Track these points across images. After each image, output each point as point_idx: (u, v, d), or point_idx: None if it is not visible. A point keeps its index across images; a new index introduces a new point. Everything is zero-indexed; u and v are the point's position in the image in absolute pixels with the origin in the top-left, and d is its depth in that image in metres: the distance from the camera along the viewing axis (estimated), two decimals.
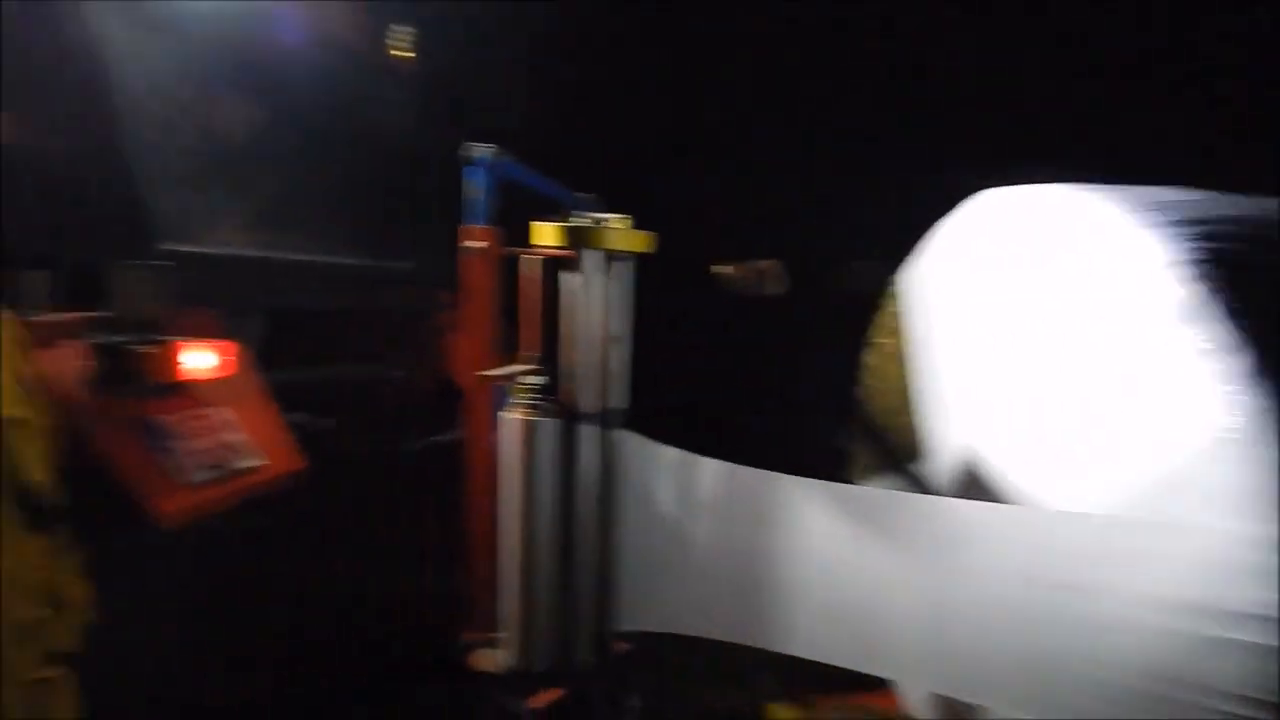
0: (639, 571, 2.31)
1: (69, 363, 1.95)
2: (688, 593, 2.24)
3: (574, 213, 2.32)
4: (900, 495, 2.13)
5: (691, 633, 2.22)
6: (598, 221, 2.23)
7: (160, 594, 1.93)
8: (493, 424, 2.32)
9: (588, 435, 2.21)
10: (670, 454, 2.28)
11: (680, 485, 2.26)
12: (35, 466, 1.53)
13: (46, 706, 1.55)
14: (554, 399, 2.23)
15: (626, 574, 2.31)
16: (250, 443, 2.19)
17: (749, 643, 2.11)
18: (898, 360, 2.67)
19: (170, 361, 2.10)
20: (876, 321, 2.80)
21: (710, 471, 2.22)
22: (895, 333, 2.70)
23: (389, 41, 3.45)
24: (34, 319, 1.94)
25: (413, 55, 3.45)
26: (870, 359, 2.83)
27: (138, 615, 1.78)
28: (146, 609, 1.85)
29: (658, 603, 2.29)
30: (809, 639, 1.99)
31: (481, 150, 2.41)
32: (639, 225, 2.26)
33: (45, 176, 2.21)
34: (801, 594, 2.02)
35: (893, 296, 2.72)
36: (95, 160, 2.28)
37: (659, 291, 2.47)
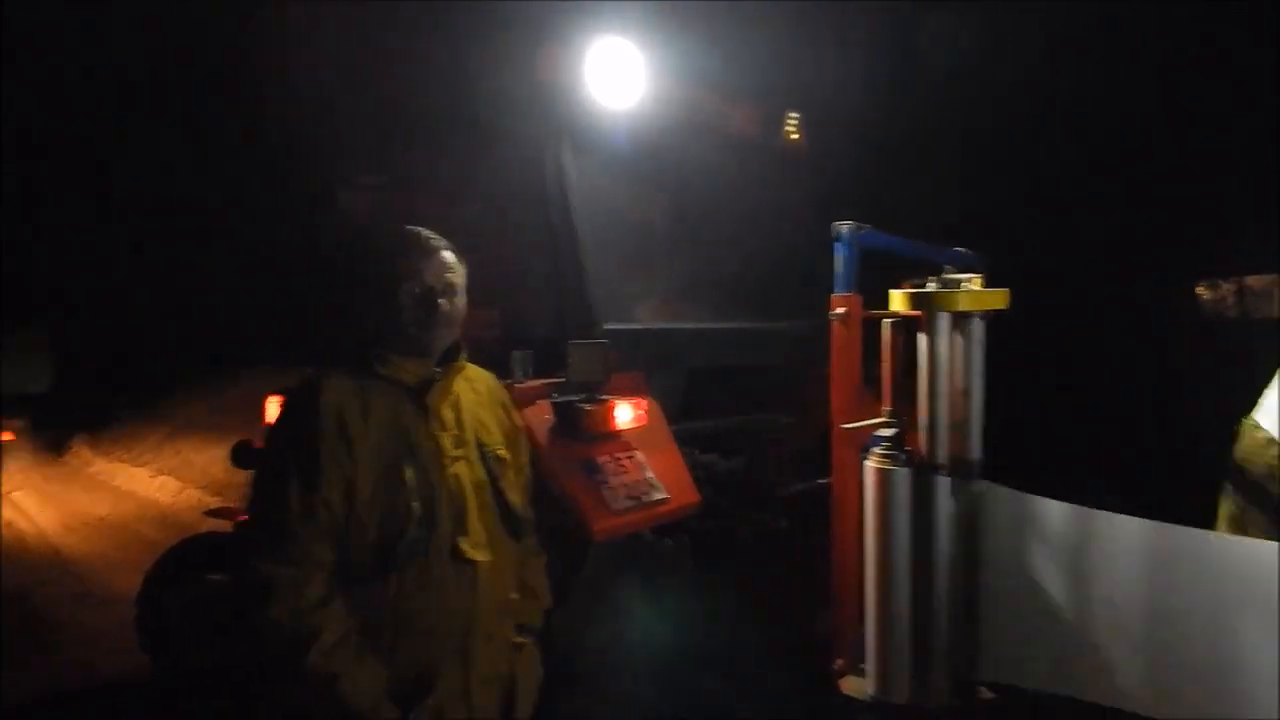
0: (1004, 622, 2.35)
1: (538, 417, 2.69)
2: (1052, 647, 2.23)
3: (946, 271, 2.50)
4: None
5: (1052, 689, 2.21)
6: (954, 283, 2.39)
7: (591, 590, 2.55)
8: (858, 471, 2.58)
9: (941, 485, 2.34)
10: (1036, 504, 2.29)
11: (1043, 535, 2.27)
12: (513, 492, 2.17)
13: (518, 666, 2.17)
14: (909, 450, 2.42)
15: (992, 623, 2.37)
16: (659, 480, 2.74)
17: (1107, 703, 2.04)
18: None
19: (606, 416, 2.76)
20: None
21: (1077, 520, 2.19)
22: None
23: (784, 127, 3.91)
24: (517, 385, 2.73)
25: (802, 138, 3.87)
26: None
27: (577, 603, 2.39)
28: (583, 600, 2.47)
29: (1022, 655, 2.31)
30: (1169, 699, 1.89)
31: (842, 225, 2.71)
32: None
33: (522, 281, 3.06)
34: (1162, 651, 1.92)
35: None
36: (557, 266, 3.07)
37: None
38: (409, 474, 1.91)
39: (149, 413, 12.11)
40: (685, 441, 3.21)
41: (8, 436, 11.67)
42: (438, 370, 2.04)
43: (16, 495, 9.68)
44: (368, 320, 2.01)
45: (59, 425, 13.00)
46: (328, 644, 1.79)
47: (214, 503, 7.58)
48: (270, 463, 1.90)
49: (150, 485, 9.62)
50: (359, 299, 2.02)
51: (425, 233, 2.06)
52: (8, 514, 8.68)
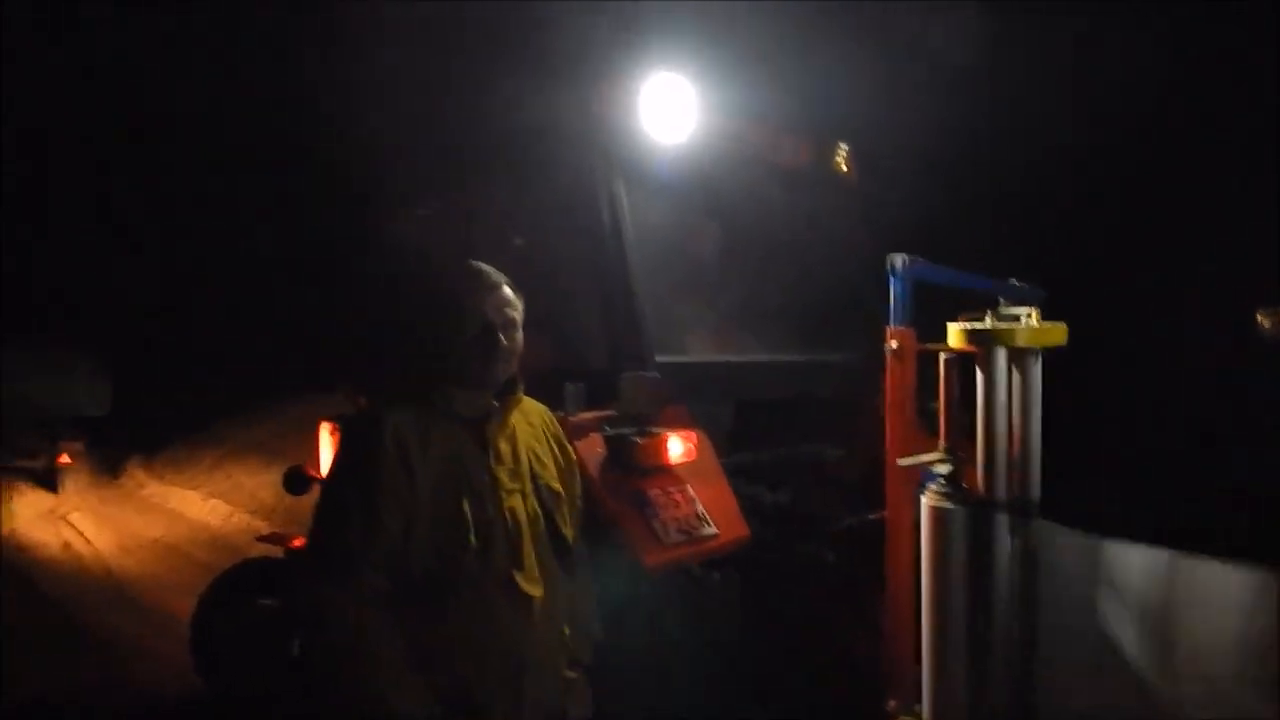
0: (1065, 666, 2.29)
1: (590, 449, 2.70)
2: (1117, 694, 2.16)
3: (1003, 304, 2.46)
4: None
5: None
6: (1012, 317, 2.35)
7: (640, 624, 2.53)
8: (913, 507, 2.54)
9: (1000, 523, 2.30)
10: (1103, 545, 2.23)
11: (1110, 577, 2.21)
12: (567, 525, 2.18)
13: (569, 699, 2.16)
14: (966, 487, 2.37)
15: (1052, 667, 2.30)
16: (709, 515, 2.73)
17: None
18: None
19: (658, 450, 2.76)
20: None
21: (1150, 562, 2.13)
22: None
23: (835, 159, 3.91)
24: (570, 418, 2.75)
25: (853, 169, 3.87)
26: None
27: (627, 637, 2.38)
28: (632, 633, 2.45)
29: (1085, 701, 2.24)
30: None
31: (897, 257, 2.69)
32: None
33: (575, 313, 3.09)
34: (1246, 702, 1.85)
35: None
36: (609, 298, 3.09)
37: None
38: (466, 506, 1.93)
39: (200, 436, 12.38)
40: (734, 474, 3.19)
41: (64, 460, 11.99)
42: (495, 404, 2.07)
43: (74, 517, 9.95)
44: (428, 353, 2.04)
45: (114, 448, 13.33)
46: (379, 671, 1.80)
47: (263, 527, 7.70)
48: (332, 490, 1.93)
49: (202, 508, 9.81)
50: (421, 332, 2.06)
51: (486, 268, 2.09)
52: (66, 535, 8.92)
